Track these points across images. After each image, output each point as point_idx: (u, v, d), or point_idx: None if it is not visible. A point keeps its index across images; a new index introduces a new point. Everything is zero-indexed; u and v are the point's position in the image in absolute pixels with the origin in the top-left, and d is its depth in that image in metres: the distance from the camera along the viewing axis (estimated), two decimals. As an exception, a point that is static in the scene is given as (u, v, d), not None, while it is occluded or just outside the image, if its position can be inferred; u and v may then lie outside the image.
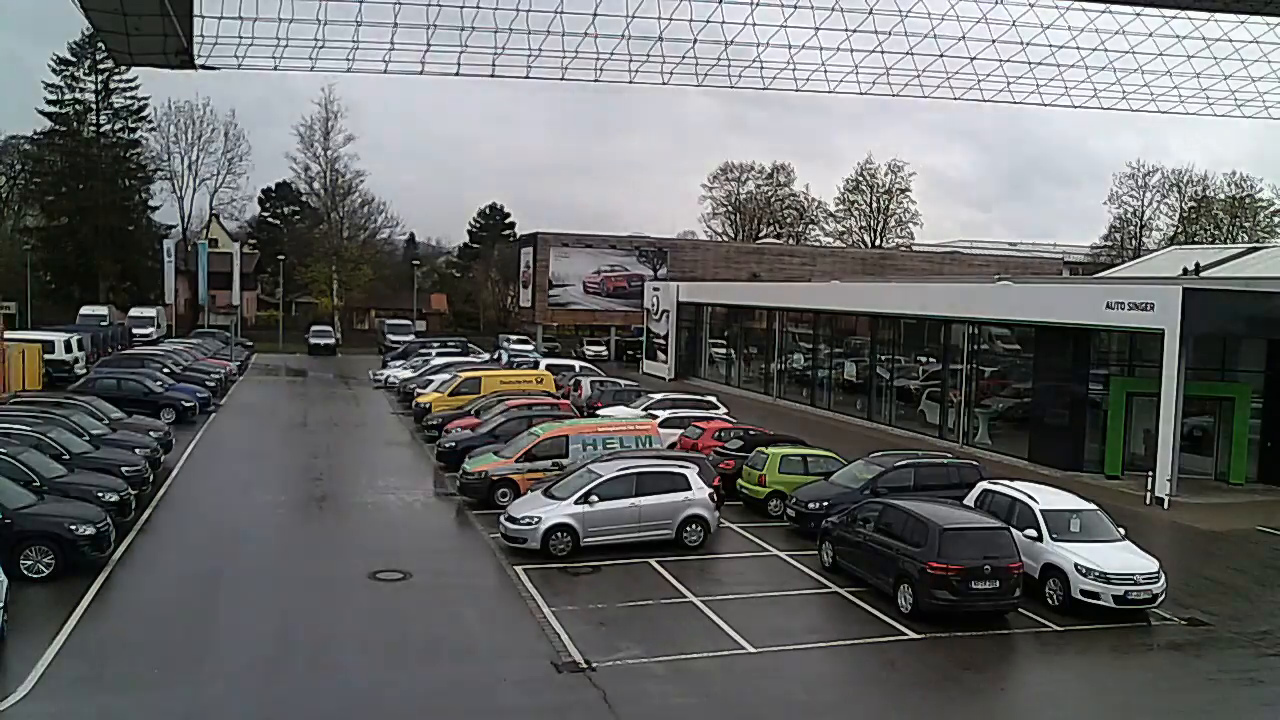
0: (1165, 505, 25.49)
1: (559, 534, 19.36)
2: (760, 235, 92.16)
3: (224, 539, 20.31)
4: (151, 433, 27.54)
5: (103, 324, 57.44)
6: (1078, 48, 10.89)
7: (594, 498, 19.73)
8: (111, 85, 73.56)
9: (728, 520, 22.10)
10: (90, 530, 17.32)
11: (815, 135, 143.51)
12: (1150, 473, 26.48)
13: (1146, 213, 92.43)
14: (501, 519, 20.23)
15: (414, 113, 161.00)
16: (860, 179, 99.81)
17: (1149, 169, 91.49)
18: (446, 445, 28.09)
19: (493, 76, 10.33)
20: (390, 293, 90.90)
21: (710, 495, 20.89)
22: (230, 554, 19.23)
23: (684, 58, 10.31)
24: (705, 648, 15.03)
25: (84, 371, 40.90)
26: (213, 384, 40.76)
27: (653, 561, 19.24)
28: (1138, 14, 10.13)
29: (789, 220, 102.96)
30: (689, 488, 20.54)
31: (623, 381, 42.31)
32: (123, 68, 65.66)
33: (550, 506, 19.83)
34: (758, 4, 9.70)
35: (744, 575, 19.20)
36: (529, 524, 19.45)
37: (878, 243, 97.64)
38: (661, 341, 58.88)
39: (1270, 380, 29.74)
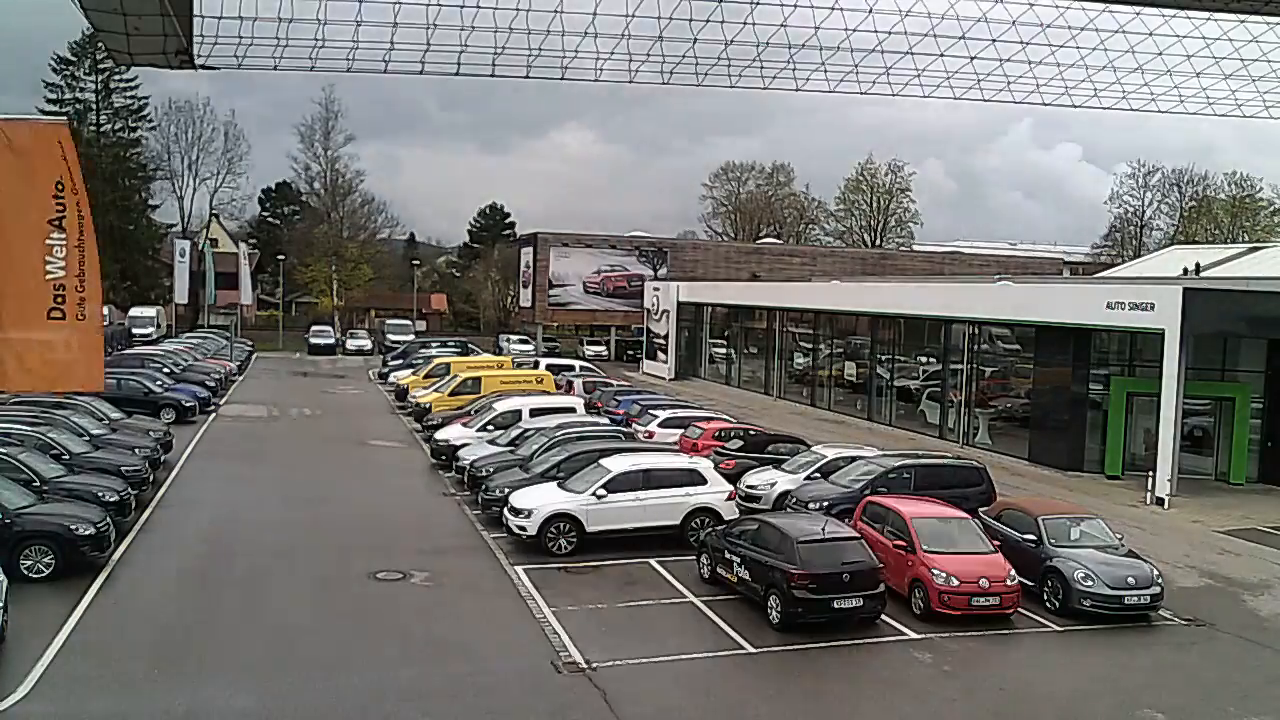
0: (1165, 505, 25.49)
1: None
2: (760, 235, 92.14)
3: (224, 539, 20.32)
4: (151, 433, 27.56)
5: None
6: (1078, 47, 10.89)
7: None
8: (111, 85, 73.52)
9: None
10: (90, 530, 17.32)
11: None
12: (1150, 473, 26.48)
13: (1146, 213, 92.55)
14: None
15: (416, 111, 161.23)
16: (860, 179, 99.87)
17: (1149, 168, 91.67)
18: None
19: (493, 76, 10.32)
20: (390, 293, 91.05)
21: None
22: (230, 554, 19.24)
23: (684, 57, 10.31)
24: (705, 648, 15.04)
25: (84, 371, 40.82)
26: (212, 384, 40.79)
27: (653, 561, 19.25)
28: (1137, 13, 10.13)
29: (789, 220, 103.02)
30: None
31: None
32: (123, 68, 65.65)
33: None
34: (758, 4, 9.70)
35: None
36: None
37: (878, 243, 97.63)
38: (661, 341, 58.88)
39: (1270, 380, 29.73)
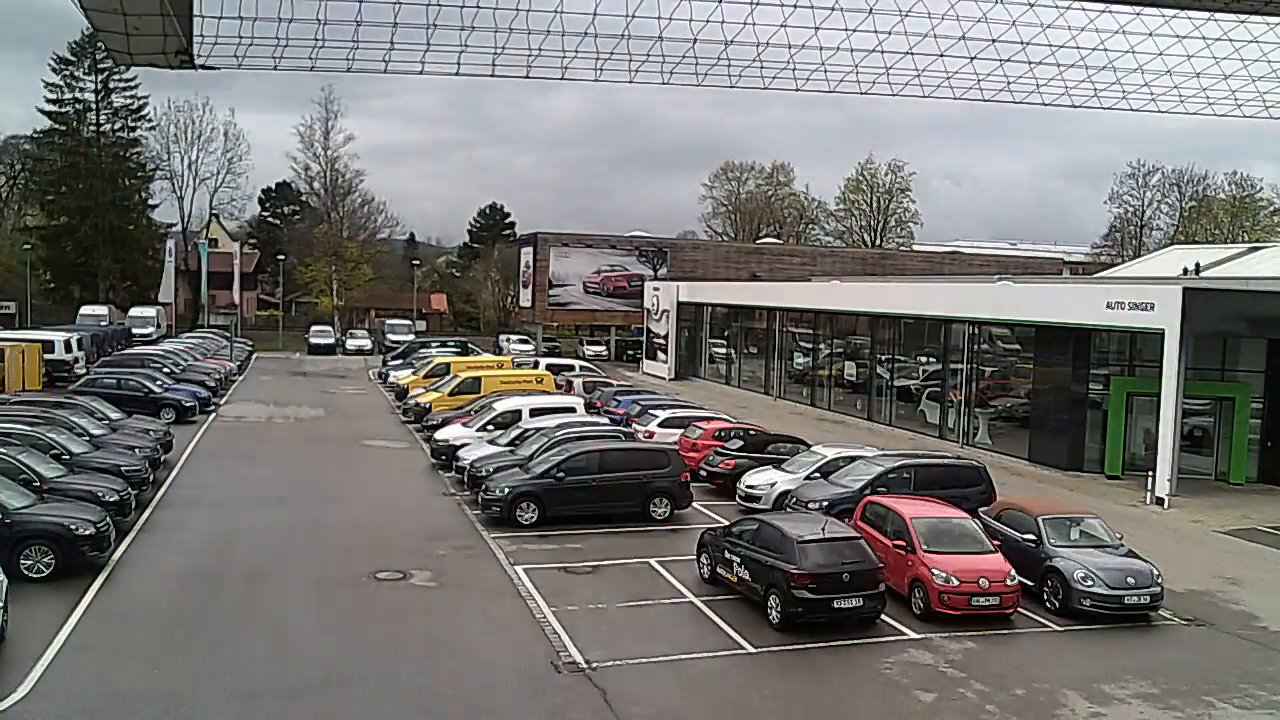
0: (1165, 505, 25.49)
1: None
2: (760, 235, 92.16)
3: (224, 539, 20.33)
4: (151, 433, 27.55)
5: (103, 324, 57.47)
6: (1078, 47, 10.88)
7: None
8: (111, 85, 73.58)
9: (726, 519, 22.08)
10: (90, 530, 17.31)
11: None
12: (1150, 473, 26.48)
13: (1146, 213, 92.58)
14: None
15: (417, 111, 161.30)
16: (860, 179, 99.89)
17: (1149, 168, 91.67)
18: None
19: (493, 76, 10.32)
20: (390, 293, 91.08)
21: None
22: (230, 554, 19.24)
23: (684, 57, 10.30)
24: (705, 648, 15.04)
25: (84, 371, 40.91)
26: (212, 384, 40.82)
27: (653, 561, 19.27)
28: (1138, 14, 10.12)
29: (789, 220, 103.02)
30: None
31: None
32: (123, 67, 65.68)
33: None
34: (758, 4, 9.68)
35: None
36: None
37: (878, 243, 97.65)
38: (661, 341, 58.90)
39: (1270, 380, 29.74)
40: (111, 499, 19.60)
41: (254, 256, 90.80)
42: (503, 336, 70.53)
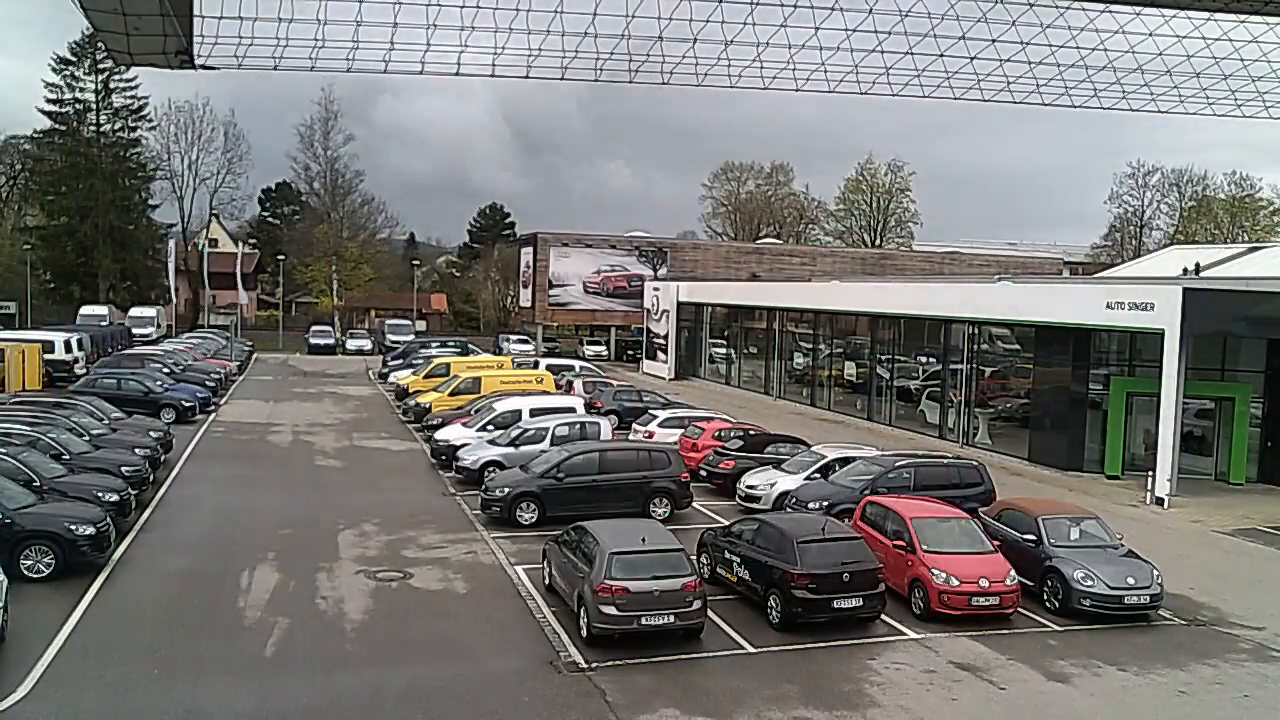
0: (1165, 505, 25.49)
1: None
2: (760, 235, 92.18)
3: (223, 538, 20.33)
4: (151, 433, 27.56)
5: (103, 324, 57.49)
6: (1078, 47, 10.88)
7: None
8: (111, 85, 73.58)
9: (726, 519, 22.07)
10: (90, 530, 17.33)
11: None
12: (1150, 473, 26.48)
13: (1146, 213, 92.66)
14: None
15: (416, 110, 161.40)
16: (860, 179, 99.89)
17: (1149, 169, 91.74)
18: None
19: (493, 76, 10.32)
20: (390, 293, 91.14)
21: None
22: (230, 553, 19.23)
23: (684, 57, 10.30)
24: (705, 648, 15.03)
25: (84, 371, 40.92)
26: (212, 384, 40.85)
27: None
28: (1137, 14, 10.12)
29: (789, 220, 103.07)
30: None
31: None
32: (123, 67, 65.67)
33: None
34: (758, 4, 9.68)
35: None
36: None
37: (878, 243, 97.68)
38: (661, 341, 58.89)
39: (1270, 380, 29.73)
40: (111, 499, 19.62)
41: (254, 256, 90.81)
42: (503, 337, 70.55)
